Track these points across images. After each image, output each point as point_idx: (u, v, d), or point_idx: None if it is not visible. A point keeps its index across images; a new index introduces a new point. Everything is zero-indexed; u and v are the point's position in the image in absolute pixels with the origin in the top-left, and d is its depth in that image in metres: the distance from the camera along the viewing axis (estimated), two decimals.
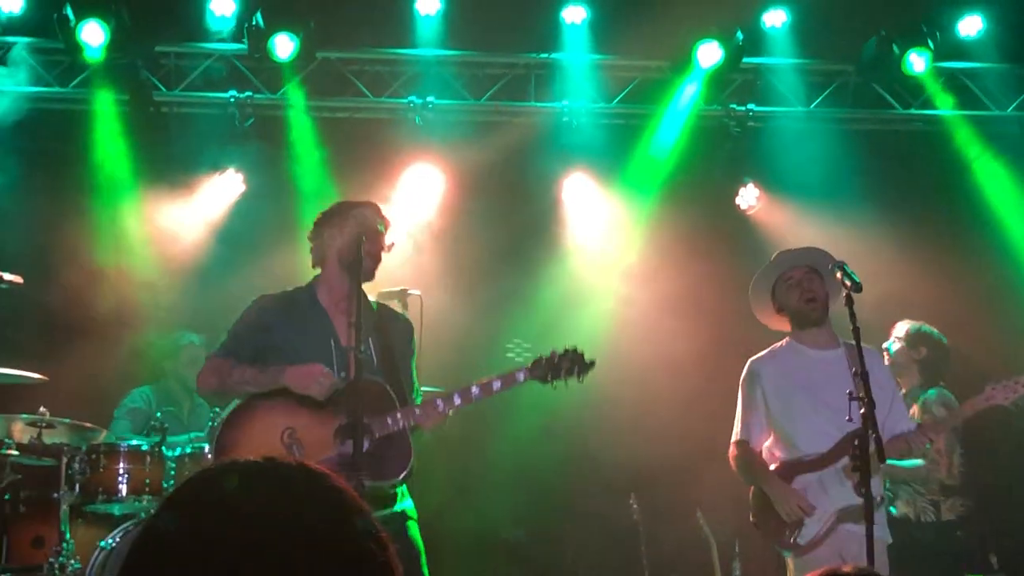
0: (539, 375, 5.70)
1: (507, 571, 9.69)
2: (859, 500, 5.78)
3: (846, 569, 2.70)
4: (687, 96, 9.90)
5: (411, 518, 5.63)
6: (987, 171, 10.08)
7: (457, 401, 5.58)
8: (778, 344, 6.76)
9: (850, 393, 5.58)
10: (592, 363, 5.80)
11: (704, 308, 9.47)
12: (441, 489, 5.70)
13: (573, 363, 5.75)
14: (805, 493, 6.32)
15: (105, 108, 9.59)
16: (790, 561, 6.45)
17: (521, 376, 5.70)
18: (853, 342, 6.04)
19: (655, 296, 9.80)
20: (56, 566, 7.19)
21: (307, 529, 1.68)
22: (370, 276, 5.71)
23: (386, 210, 5.95)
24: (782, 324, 6.76)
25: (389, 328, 5.87)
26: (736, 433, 6.67)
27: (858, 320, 5.62)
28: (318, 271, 5.93)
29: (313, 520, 1.70)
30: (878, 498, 6.21)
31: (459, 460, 6.01)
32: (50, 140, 9.32)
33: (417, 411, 5.55)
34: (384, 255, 5.80)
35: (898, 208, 9.91)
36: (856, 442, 5.72)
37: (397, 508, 5.58)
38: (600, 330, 9.54)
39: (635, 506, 9.20)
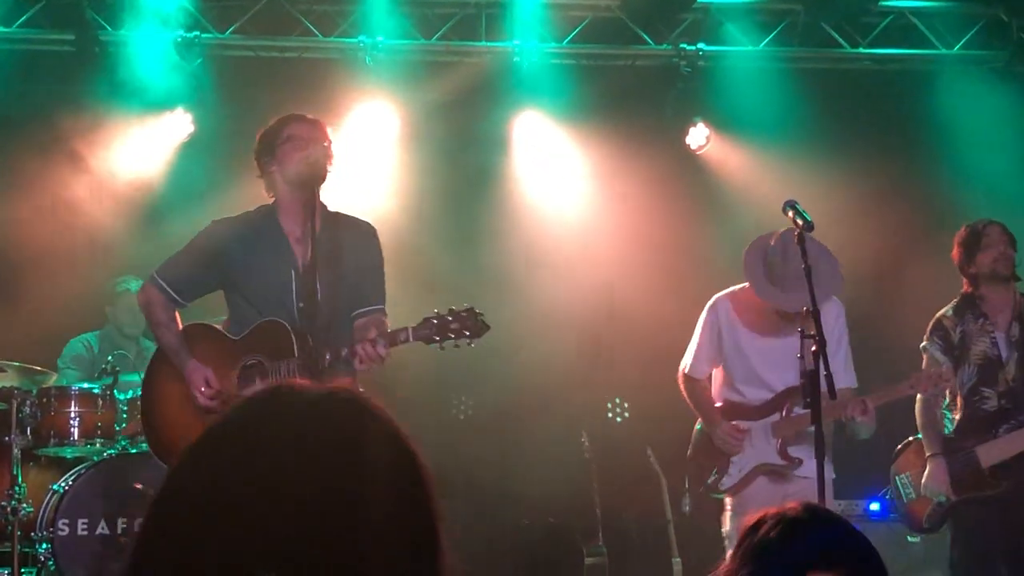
0: (425, 335, 5.29)
1: (460, 506, 9.73)
2: (780, 460, 6.31)
3: (791, 504, 2.73)
4: None
5: None
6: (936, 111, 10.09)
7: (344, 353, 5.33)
8: (744, 288, 6.60)
9: (801, 331, 5.49)
10: (487, 326, 5.32)
11: (655, 246, 9.49)
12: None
13: (464, 324, 5.28)
14: None
15: (50, 48, 9.51)
16: (726, 500, 6.58)
17: (402, 336, 5.32)
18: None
19: (606, 233, 9.83)
20: (8, 509, 7.19)
21: (320, 456, 1.65)
22: (320, 180, 5.51)
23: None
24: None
25: (345, 243, 5.69)
26: (684, 363, 6.72)
27: (809, 258, 5.64)
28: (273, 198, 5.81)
29: (326, 443, 1.66)
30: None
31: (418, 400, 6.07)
32: None
33: (327, 356, 5.32)
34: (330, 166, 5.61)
35: (848, 147, 9.95)
36: (804, 392, 5.65)
37: None
38: (550, 267, 9.58)
39: (587, 443, 9.29)
